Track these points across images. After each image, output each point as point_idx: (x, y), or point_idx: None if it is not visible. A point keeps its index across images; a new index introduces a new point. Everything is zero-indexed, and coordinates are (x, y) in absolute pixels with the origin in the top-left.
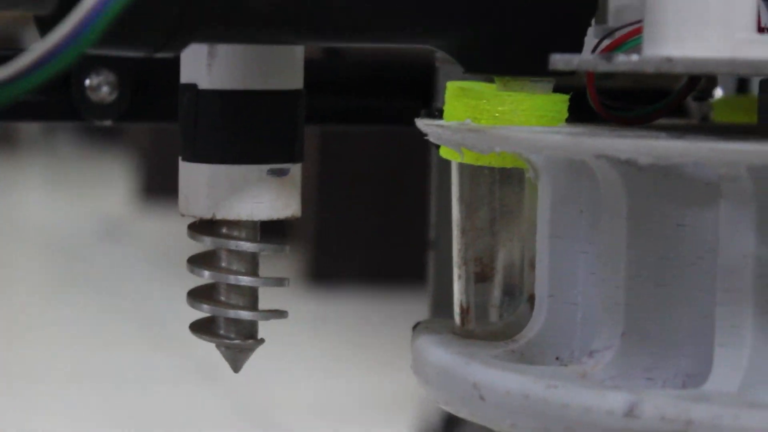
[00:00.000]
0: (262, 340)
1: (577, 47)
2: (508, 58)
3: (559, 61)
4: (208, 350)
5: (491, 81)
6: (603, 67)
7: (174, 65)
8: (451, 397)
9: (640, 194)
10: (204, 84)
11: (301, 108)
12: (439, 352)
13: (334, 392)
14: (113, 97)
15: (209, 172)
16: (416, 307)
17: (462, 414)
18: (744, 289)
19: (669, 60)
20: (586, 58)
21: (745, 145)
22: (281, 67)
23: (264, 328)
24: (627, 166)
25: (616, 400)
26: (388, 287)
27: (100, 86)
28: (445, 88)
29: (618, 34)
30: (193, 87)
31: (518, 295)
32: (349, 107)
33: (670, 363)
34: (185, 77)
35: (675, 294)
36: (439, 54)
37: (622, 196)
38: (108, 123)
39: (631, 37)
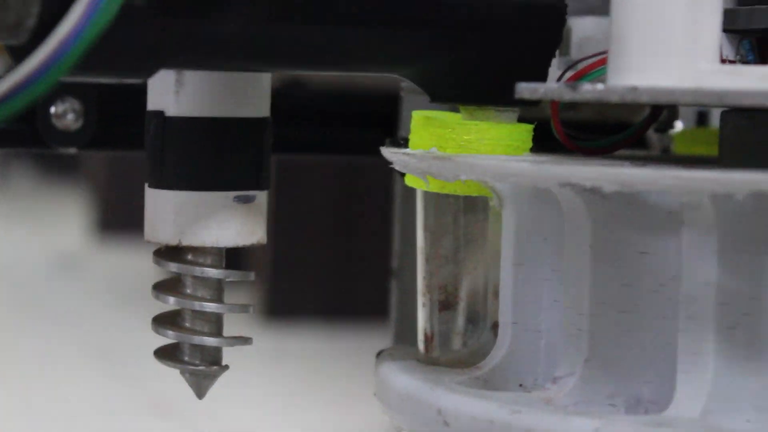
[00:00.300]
0: (226, 367)
1: (541, 78)
2: (473, 87)
3: (525, 89)
4: (164, 385)
5: (457, 111)
6: (568, 95)
7: (140, 93)
8: (416, 422)
9: (603, 222)
10: (171, 111)
11: (268, 136)
12: (403, 378)
13: (294, 428)
14: (78, 124)
15: (175, 198)
16: (377, 341)
17: None
18: (705, 317)
19: (634, 89)
20: (552, 87)
21: (707, 174)
22: (248, 95)
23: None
24: (591, 194)
25: (580, 426)
26: (348, 322)
27: (65, 114)
28: (409, 118)
29: (581, 66)
30: (160, 114)
31: (482, 322)
32: (312, 137)
33: (632, 389)
34: (152, 104)
35: (637, 321)
36: (405, 83)
37: (586, 224)
38: (73, 151)
39: (594, 69)
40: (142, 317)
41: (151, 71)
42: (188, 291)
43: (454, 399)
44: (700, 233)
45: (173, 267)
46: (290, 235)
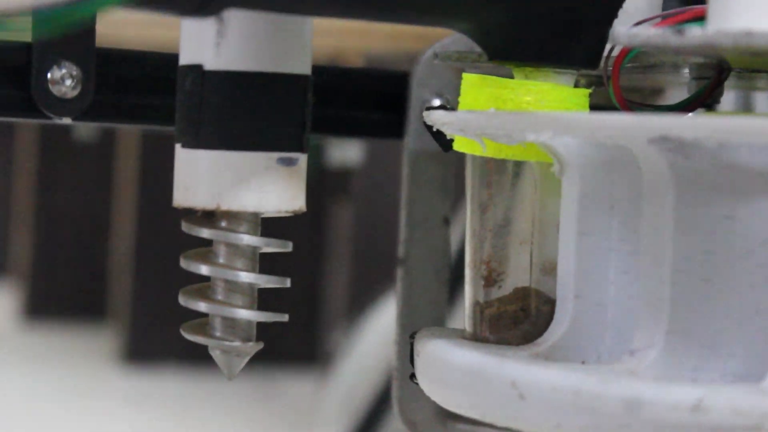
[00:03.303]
0: (260, 344)
1: (602, 39)
2: (533, 44)
3: (623, 36)
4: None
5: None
6: (675, 41)
7: (139, 60)
8: (482, 399)
9: (687, 185)
10: (211, 65)
11: (310, 94)
12: (463, 352)
13: None
14: (76, 92)
15: (214, 158)
16: (242, 387)
17: (493, 418)
18: None
19: (749, 33)
20: (654, 32)
21: None
22: (291, 50)
23: (81, 408)
24: (675, 155)
25: (682, 394)
26: (211, 365)
27: (63, 79)
28: (419, 99)
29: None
30: (198, 68)
31: (532, 300)
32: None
33: (717, 363)
34: (187, 58)
35: (723, 290)
36: (439, 49)
37: (669, 187)
38: (68, 121)
39: (687, 19)
40: None
41: (216, 8)
42: (221, 260)
43: (531, 370)
44: None
45: (206, 233)
46: (155, 273)
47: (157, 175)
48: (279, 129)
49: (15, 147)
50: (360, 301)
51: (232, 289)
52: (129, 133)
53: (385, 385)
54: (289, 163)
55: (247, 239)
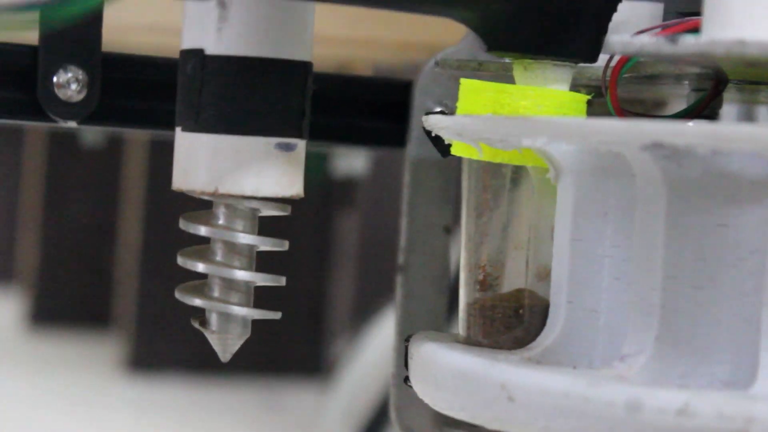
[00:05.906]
0: (248, 332)
1: (601, 32)
2: (533, 36)
3: (618, 44)
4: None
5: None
6: (668, 49)
7: (145, 64)
8: (472, 400)
9: (680, 193)
10: (212, 49)
11: (311, 81)
12: (455, 355)
13: None
14: (82, 96)
15: (213, 142)
16: (245, 396)
17: (483, 419)
18: None
19: (741, 42)
20: (648, 41)
21: None
22: (292, 36)
23: (85, 416)
24: (669, 162)
25: (668, 397)
26: (216, 375)
27: (68, 83)
28: (421, 107)
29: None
30: (199, 52)
31: (526, 305)
32: (319, 125)
33: (706, 370)
34: (189, 42)
35: (713, 297)
36: (439, 56)
37: (662, 195)
38: (73, 124)
39: (685, 29)
40: None
41: None
42: (219, 258)
43: (521, 373)
44: None
45: (204, 231)
46: (161, 280)
47: (164, 182)
48: (278, 114)
49: (22, 154)
50: (364, 312)
51: (229, 286)
52: (136, 140)
53: (388, 395)
54: (288, 148)
55: (244, 237)
